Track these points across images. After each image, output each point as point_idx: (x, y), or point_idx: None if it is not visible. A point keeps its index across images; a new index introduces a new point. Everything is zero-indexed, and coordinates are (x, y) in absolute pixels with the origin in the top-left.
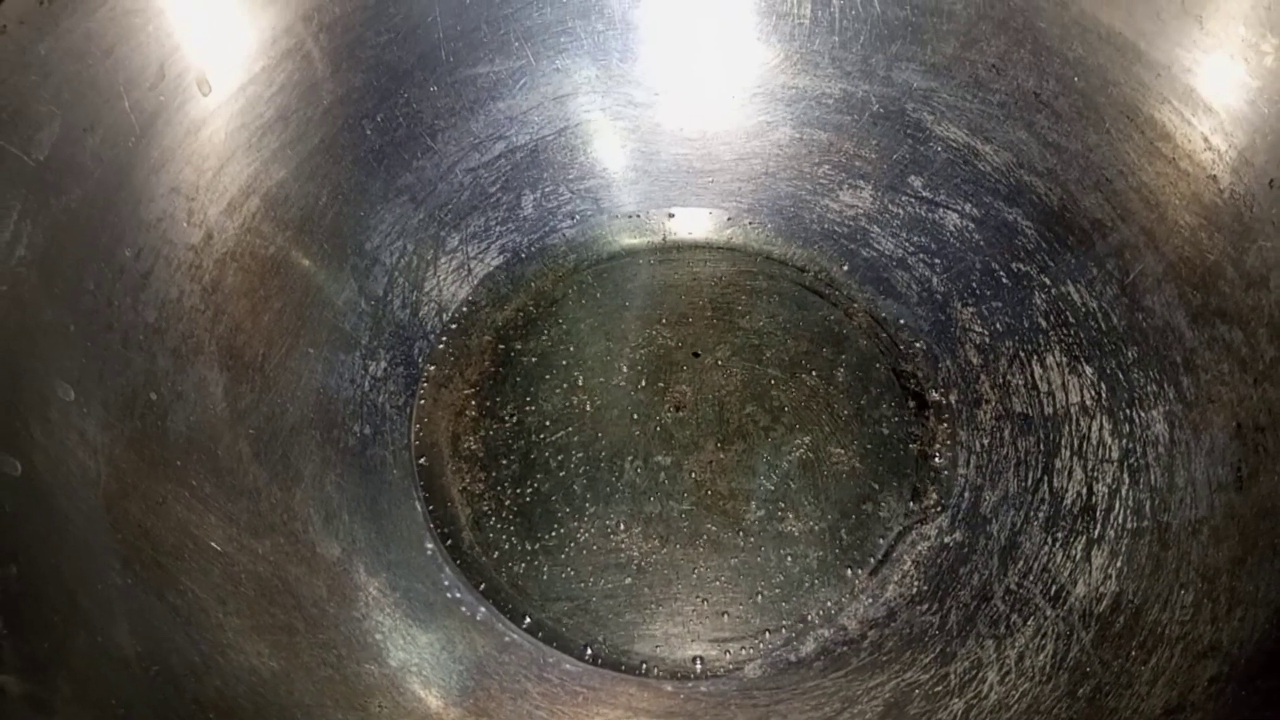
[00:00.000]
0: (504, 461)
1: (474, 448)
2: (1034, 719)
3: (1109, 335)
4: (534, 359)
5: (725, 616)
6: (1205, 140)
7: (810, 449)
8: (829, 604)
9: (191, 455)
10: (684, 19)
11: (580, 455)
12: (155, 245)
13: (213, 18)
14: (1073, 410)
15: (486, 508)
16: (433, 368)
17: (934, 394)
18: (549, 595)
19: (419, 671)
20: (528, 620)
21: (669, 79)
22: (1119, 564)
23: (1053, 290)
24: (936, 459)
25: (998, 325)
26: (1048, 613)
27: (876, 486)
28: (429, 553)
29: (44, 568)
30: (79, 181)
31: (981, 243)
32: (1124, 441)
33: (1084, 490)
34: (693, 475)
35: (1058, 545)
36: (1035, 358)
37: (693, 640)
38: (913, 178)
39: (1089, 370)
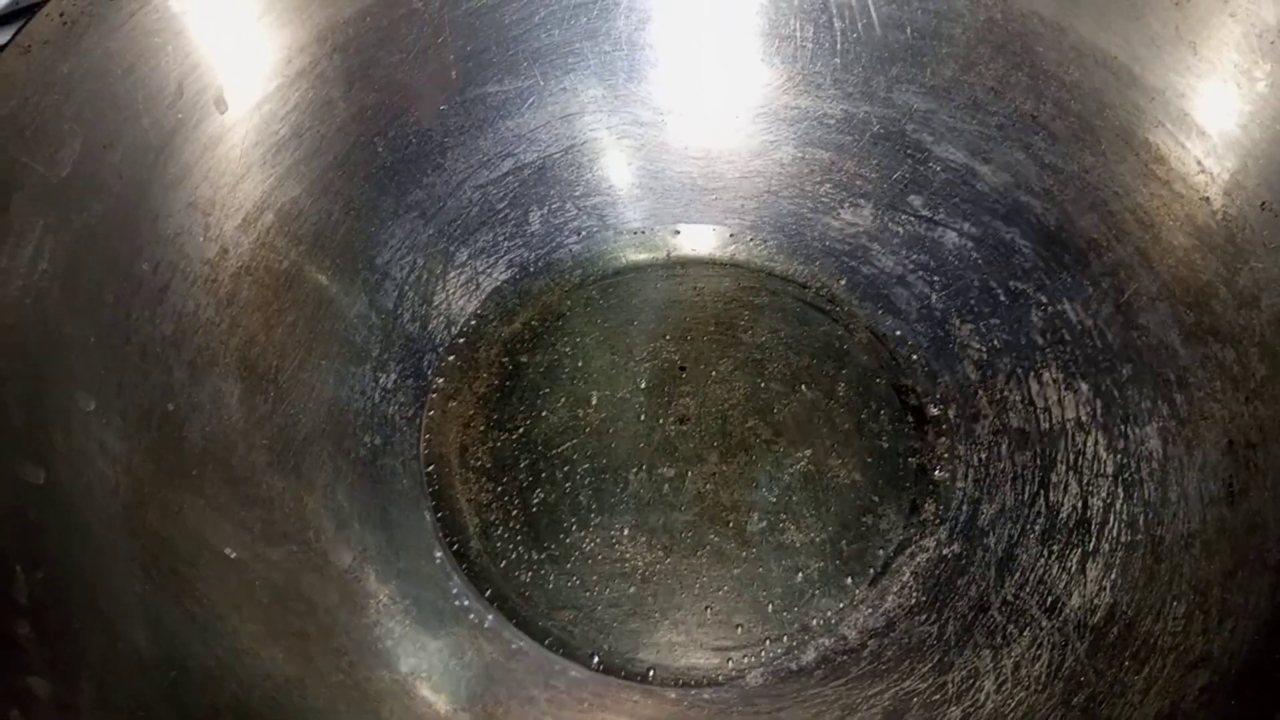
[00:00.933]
0: (511, 472)
1: (482, 459)
2: None
3: (1104, 352)
4: (540, 372)
5: (727, 625)
6: (1199, 163)
7: (811, 462)
8: (829, 614)
9: (207, 465)
10: (689, 41)
11: (585, 467)
12: (173, 260)
13: (230, 38)
14: (1069, 426)
15: (494, 517)
16: (441, 380)
17: (933, 409)
18: (555, 603)
19: (429, 677)
20: (535, 628)
21: (674, 99)
22: (1113, 576)
23: (1049, 308)
24: (935, 473)
25: (995, 342)
26: (1043, 623)
27: (876, 499)
28: (438, 561)
29: (67, 573)
30: (99, 197)
31: (980, 261)
32: (1119, 457)
33: (1079, 504)
34: (696, 487)
35: (1054, 558)
36: (1032, 374)
37: (696, 648)
38: (912, 197)
39: (1085, 386)
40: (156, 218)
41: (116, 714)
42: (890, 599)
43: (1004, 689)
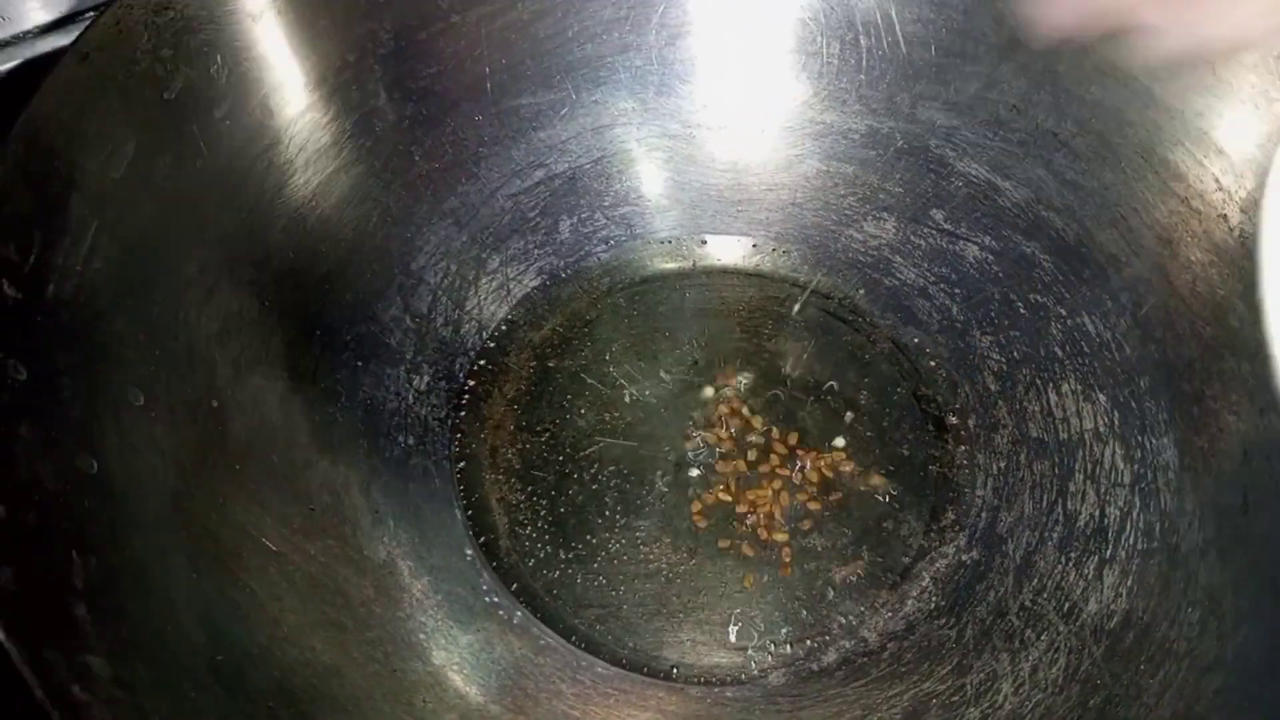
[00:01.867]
0: (540, 473)
1: (511, 460)
2: None
3: (1122, 365)
4: (568, 376)
5: (750, 626)
6: (1216, 181)
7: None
8: (850, 617)
9: (250, 460)
10: (718, 56)
11: (612, 469)
12: (219, 261)
13: (275, 47)
14: (1086, 436)
15: (523, 517)
16: (473, 383)
17: (953, 418)
18: (582, 601)
19: (460, 670)
20: (562, 625)
21: (703, 113)
22: (1129, 583)
23: (1068, 321)
24: (955, 480)
25: (1015, 354)
26: (1061, 628)
27: (897, 506)
28: (469, 558)
29: (120, 560)
30: (151, 199)
31: (1000, 274)
32: (1136, 467)
33: (1097, 513)
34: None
35: (1071, 565)
36: (1051, 385)
37: (719, 647)
38: (935, 211)
39: (1103, 398)
40: (204, 221)
41: (170, 695)
42: (910, 603)
43: (1021, 691)
